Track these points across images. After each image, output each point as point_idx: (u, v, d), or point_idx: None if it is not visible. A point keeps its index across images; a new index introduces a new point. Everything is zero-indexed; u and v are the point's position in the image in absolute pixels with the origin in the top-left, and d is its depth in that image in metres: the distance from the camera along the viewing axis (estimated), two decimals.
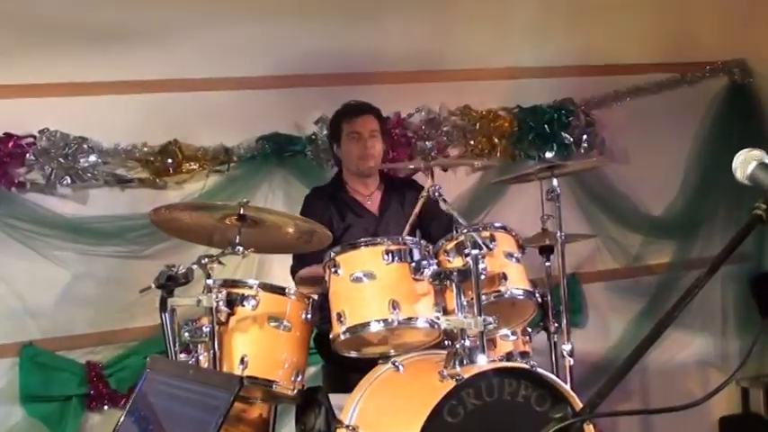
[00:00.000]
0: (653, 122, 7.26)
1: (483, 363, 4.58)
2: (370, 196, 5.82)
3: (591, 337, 7.19)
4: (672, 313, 2.35)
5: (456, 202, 6.49)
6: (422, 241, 4.81)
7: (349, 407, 4.86)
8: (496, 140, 6.89)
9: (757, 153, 2.37)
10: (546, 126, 7.01)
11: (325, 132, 6.18)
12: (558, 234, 5.46)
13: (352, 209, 5.82)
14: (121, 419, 2.74)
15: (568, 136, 7.05)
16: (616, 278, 7.23)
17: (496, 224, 5.03)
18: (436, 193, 5.00)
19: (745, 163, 2.37)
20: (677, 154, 7.12)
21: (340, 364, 5.27)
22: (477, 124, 6.86)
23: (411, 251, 4.74)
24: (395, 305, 4.67)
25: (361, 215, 5.78)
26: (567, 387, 4.68)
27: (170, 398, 2.59)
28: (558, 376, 5.09)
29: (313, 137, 6.41)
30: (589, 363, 7.05)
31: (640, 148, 7.21)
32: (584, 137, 7.15)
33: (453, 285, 4.71)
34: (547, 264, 5.46)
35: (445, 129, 6.72)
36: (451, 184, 6.40)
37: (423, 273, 4.70)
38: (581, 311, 7.04)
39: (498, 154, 6.87)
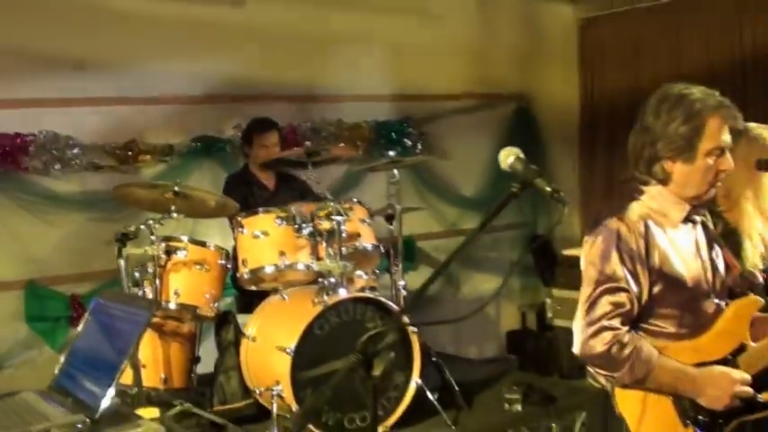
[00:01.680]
0: (466, 133, 7.27)
1: (343, 294, 4.50)
2: (269, 181, 5.64)
3: (420, 277, 7.13)
4: (458, 250, 2.34)
5: (331, 186, 6.41)
6: (303, 209, 4.68)
7: (250, 324, 4.79)
8: (359, 143, 6.76)
9: (515, 150, 2.36)
10: (393, 134, 6.90)
11: (239, 136, 5.97)
12: (398, 207, 5.35)
13: (258, 188, 5.65)
14: (79, 329, 2.65)
15: (408, 141, 6.94)
16: (440, 238, 7.18)
17: (354, 199, 4.98)
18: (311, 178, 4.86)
19: (506, 156, 2.34)
20: (482, 154, 7.08)
21: (247, 294, 5.14)
22: (346, 132, 6.70)
23: (294, 217, 4.65)
24: (282, 254, 4.60)
25: (263, 193, 5.59)
26: (398, 310, 4.67)
27: (110, 316, 2.49)
28: (395, 302, 5.04)
29: (231, 138, 6.23)
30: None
31: (457, 150, 7.20)
32: (419, 142, 7.02)
33: (324, 241, 4.63)
34: (390, 227, 5.33)
35: (324, 135, 6.60)
36: (328, 174, 6.35)
37: (302, 232, 4.62)
38: (415, 260, 6.96)
39: (360, 153, 6.71)
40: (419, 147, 7.06)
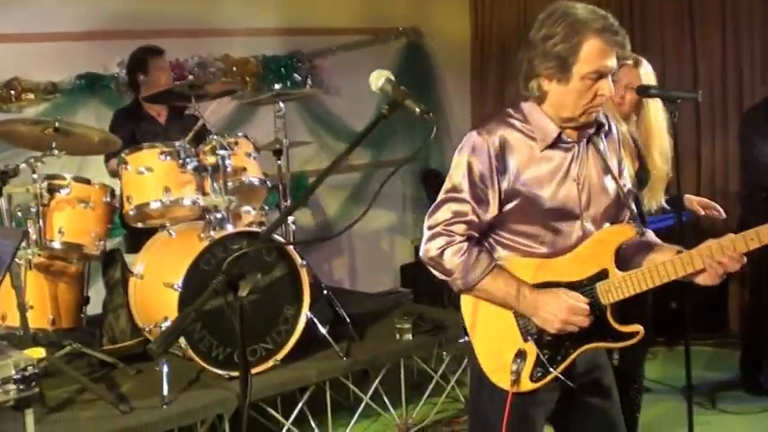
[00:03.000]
0: (358, 68, 7.13)
1: (230, 229, 4.50)
2: (160, 115, 5.57)
3: (313, 213, 7.21)
4: (325, 173, 2.39)
5: (220, 121, 6.39)
6: (186, 144, 4.65)
7: (138, 262, 4.77)
8: (248, 79, 6.72)
9: (385, 72, 2.36)
10: (282, 69, 6.89)
11: (124, 72, 5.85)
12: (285, 141, 5.36)
13: (148, 123, 5.58)
14: None
15: (298, 76, 6.93)
16: (333, 174, 7.17)
17: (239, 133, 4.95)
18: (197, 111, 4.81)
19: (376, 79, 2.35)
20: (373, 90, 7.10)
21: (136, 233, 5.10)
22: (234, 67, 6.65)
23: (179, 152, 4.62)
24: (167, 190, 4.57)
25: (154, 127, 5.52)
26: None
27: None
28: (284, 238, 5.08)
29: (116, 75, 6.13)
30: (311, 229, 7.11)
31: (348, 86, 7.18)
32: (309, 77, 7.06)
33: (209, 176, 4.61)
34: (278, 162, 5.32)
35: (212, 70, 6.53)
36: (217, 110, 6.42)
37: (187, 167, 4.59)
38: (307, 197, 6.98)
39: (249, 88, 6.68)
40: (309, 82, 7.04)
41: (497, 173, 2.55)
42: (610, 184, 2.67)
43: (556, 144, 2.60)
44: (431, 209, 2.62)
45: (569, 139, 2.62)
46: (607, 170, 2.66)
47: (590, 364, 2.71)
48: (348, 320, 5.01)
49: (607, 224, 2.68)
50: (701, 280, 2.53)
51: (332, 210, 7.28)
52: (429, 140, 2.20)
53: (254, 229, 4.61)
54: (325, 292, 5.11)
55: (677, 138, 3.87)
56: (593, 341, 2.60)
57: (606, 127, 2.73)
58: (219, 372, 4.38)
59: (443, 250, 2.58)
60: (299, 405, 4.60)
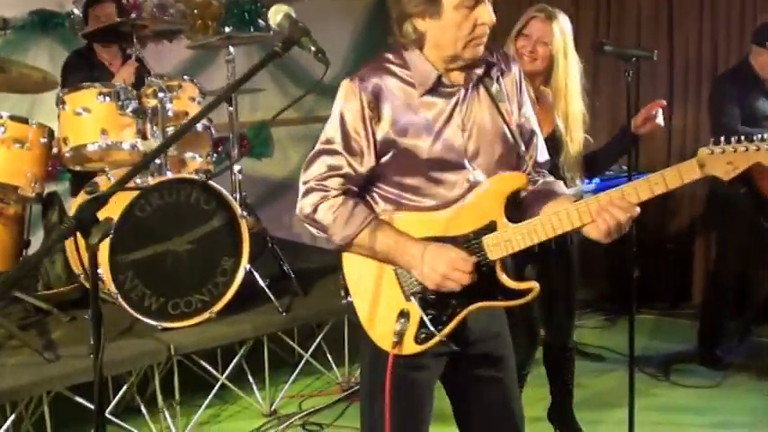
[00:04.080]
0: (325, 17, 7.06)
1: (168, 175, 4.39)
2: (113, 62, 5.40)
3: (276, 164, 7.09)
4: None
5: (179, 65, 6.24)
6: (128, 87, 4.52)
7: (75, 206, 4.64)
8: (209, 22, 6.55)
9: (285, 7, 2.27)
10: (245, 14, 6.75)
11: (80, 10, 5.70)
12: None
13: (100, 70, 5.41)
14: None
15: (263, 21, 6.76)
16: (297, 125, 7.08)
17: (185, 77, 4.81)
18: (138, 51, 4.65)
19: (274, 14, 2.27)
20: (343, 40, 7.00)
21: (79, 177, 5.00)
22: (195, 10, 6.48)
23: (118, 93, 4.48)
24: (104, 132, 4.45)
25: (106, 75, 5.34)
26: (227, 193, 4.56)
27: None
28: (234, 188, 4.99)
29: (71, 13, 5.97)
30: (273, 181, 6.99)
31: (316, 35, 6.91)
32: None
33: (149, 119, 4.47)
34: (230, 109, 5.12)
35: (171, 11, 6.34)
36: (173, 53, 6.32)
37: (126, 109, 4.45)
38: (268, 146, 6.87)
39: (210, 32, 6.51)
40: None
41: (371, 122, 2.42)
42: (504, 129, 2.51)
43: (436, 89, 2.44)
44: (305, 163, 2.49)
45: (453, 83, 2.46)
46: (500, 114, 2.50)
47: (484, 333, 2.58)
48: (292, 275, 4.93)
49: (500, 172, 2.52)
50: (590, 232, 2.36)
51: (294, 161, 7.14)
52: (323, 79, 2.13)
53: (193, 176, 4.47)
54: (270, 245, 4.98)
55: (636, 99, 3.75)
56: (480, 300, 2.44)
57: (501, 66, 2.56)
58: (152, 322, 4.32)
59: (317, 206, 2.46)
60: (235, 359, 4.55)
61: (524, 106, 2.60)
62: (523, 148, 2.56)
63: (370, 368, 2.57)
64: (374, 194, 2.52)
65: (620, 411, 3.97)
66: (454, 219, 2.45)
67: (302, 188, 2.48)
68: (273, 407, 4.67)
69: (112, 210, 4.19)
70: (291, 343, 4.83)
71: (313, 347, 4.82)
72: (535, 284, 2.41)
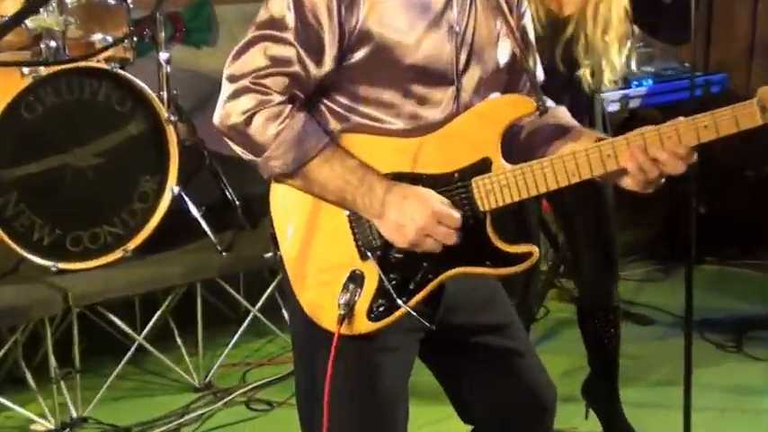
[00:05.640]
0: None
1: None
2: None
3: (219, 55, 6.03)
4: None
5: None
6: None
7: None
8: None
9: None
10: None
11: None
12: None
13: None
14: None
15: None
16: (249, 2, 6.03)
17: None
18: None
19: None
20: None
21: None
22: None
23: None
24: None
25: None
26: (149, 90, 4.00)
27: None
28: (159, 84, 4.26)
29: None
30: (216, 79, 5.89)
31: None
32: None
33: None
34: None
35: None
36: None
37: None
38: (210, 31, 5.85)
39: None
40: None
41: (341, 6, 2.00)
42: (504, 41, 2.22)
43: None
44: (235, 50, 2.04)
45: None
46: (506, 21, 2.17)
47: (465, 301, 2.21)
48: (237, 203, 4.40)
49: (495, 94, 2.26)
50: (626, 183, 2.03)
51: None
52: None
53: (102, 65, 3.94)
54: (207, 162, 4.44)
55: None
56: (460, 265, 2.08)
57: None
58: (44, 262, 3.80)
59: (252, 114, 1.97)
60: (157, 314, 4.03)
61: (526, 14, 2.31)
62: (522, 65, 2.27)
63: (303, 354, 2.22)
64: (323, 109, 2.11)
65: (673, 391, 3.54)
66: (435, 149, 2.06)
67: (230, 87, 1.99)
68: (208, 378, 4.22)
69: None
70: (235, 294, 4.37)
71: (263, 300, 4.33)
72: (534, 248, 2.07)
